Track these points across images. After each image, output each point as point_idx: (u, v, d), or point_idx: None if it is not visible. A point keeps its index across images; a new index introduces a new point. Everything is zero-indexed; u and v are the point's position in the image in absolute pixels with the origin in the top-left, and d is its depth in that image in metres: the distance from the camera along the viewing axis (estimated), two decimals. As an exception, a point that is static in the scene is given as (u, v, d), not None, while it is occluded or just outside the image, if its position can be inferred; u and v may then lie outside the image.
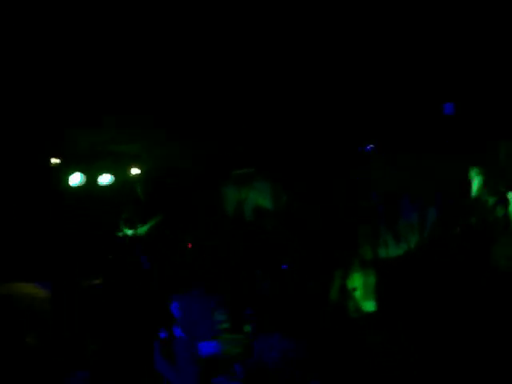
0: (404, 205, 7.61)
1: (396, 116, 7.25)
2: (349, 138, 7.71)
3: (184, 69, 7.04)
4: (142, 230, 8.27)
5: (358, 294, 7.32)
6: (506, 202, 6.65)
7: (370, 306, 7.23)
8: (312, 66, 6.95)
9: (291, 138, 7.91)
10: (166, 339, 6.21)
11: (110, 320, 7.19)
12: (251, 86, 7.25)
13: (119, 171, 8.63)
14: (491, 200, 6.61)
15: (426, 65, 6.58)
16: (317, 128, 7.68)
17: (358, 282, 7.40)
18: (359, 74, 6.97)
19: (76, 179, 8.44)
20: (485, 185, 6.68)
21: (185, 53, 6.81)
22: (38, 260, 7.53)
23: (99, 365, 6.64)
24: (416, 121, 7.18)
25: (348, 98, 7.17)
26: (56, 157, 8.41)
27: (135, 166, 8.69)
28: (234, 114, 7.62)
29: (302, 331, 7.03)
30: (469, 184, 6.79)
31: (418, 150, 7.45)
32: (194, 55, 6.79)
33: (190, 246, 8.35)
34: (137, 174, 8.72)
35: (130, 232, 8.34)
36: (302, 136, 7.84)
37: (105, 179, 8.60)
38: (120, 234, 8.37)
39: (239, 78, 7.15)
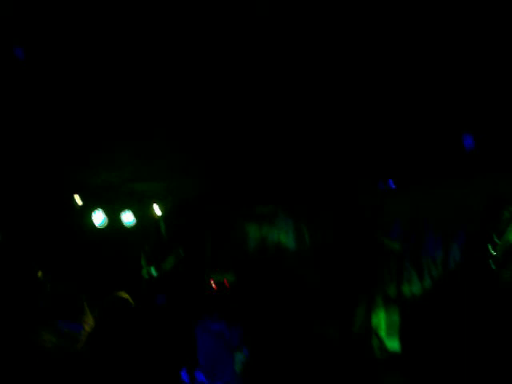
0: (428, 240, 7.51)
1: (418, 149, 7.18)
2: (369, 173, 7.64)
3: (202, 102, 7.06)
4: (165, 266, 8.23)
5: (381, 332, 7.25)
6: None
7: (394, 344, 7.16)
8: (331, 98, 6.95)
9: (313, 174, 7.86)
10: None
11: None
12: (271, 122, 7.25)
13: (141, 210, 8.64)
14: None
15: (444, 96, 6.52)
16: (336, 165, 7.62)
17: (381, 320, 7.32)
18: (379, 106, 6.94)
19: (99, 218, 8.47)
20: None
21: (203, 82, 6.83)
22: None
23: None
24: (438, 153, 7.10)
25: (369, 132, 7.12)
26: (78, 195, 8.45)
27: (157, 205, 8.69)
28: (253, 150, 7.60)
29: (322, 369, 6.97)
30: (494, 219, 6.68)
31: (440, 183, 7.36)
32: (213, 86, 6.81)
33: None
34: (159, 213, 8.72)
35: (152, 271, 8.32)
36: (323, 173, 7.79)
37: (128, 218, 8.60)
38: (144, 273, 8.34)
39: (259, 114, 7.15)
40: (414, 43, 6.00)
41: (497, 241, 6.47)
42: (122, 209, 8.59)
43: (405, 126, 7.06)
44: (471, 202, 7.05)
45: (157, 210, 8.64)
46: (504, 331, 6.52)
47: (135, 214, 8.63)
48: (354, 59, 6.14)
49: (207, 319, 6.90)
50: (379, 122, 7.06)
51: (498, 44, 5.88)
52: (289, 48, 5.97)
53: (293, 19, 5.65)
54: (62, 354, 6.82)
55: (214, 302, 7.78)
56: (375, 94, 6.66)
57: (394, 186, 7.57)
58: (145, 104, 6.99)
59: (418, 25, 5.66)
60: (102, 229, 8.51)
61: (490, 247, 6.49)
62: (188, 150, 7.71)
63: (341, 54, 6.05)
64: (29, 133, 7.18)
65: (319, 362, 7.03)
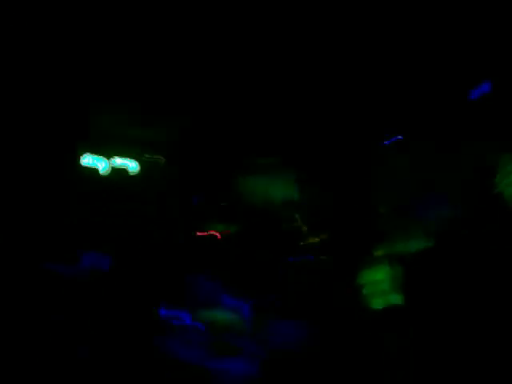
0: (431, 198, 7.52)
1: (416, 104, 7.16)
2: (370, 129, 7.62)
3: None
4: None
5: (383, 286, 7.29)
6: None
7: (396, 299, 7.20)
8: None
9: (313, 128, 7.82)
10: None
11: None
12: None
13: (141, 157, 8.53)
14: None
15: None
16: (337, 122, 7.60)
17: (384, 275, 7.36)
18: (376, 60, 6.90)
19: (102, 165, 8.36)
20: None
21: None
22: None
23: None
24: (437, 109, 7.08)
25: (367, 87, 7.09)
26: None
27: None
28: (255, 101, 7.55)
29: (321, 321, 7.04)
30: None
31: (442, 140, 7.35)
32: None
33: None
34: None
35: None
36: (324, 127, 7.75)
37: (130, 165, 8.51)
38: None
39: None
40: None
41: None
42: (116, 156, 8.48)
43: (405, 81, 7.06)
44: (474, 158, 7.09)
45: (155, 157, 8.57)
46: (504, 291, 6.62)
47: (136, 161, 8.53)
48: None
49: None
50: (377, 77, 7.05)
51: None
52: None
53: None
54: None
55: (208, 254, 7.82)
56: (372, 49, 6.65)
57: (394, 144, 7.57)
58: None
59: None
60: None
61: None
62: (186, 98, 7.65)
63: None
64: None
65: (321, 319, 7.12)
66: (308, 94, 7.57)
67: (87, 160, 8.29)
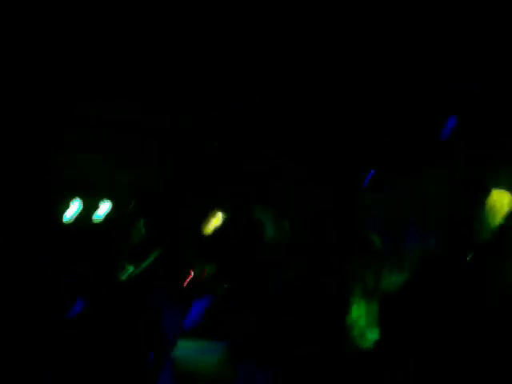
0: (408, 232, 7.50)
1: (395, 141, 7.20)
2: (347, 163, 7.63)
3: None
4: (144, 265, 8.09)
5: (361, 322, 7.21)
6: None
7: (373, 334, 7.12)
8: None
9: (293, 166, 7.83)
10: None
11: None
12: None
13: (118, 202, 8.50)
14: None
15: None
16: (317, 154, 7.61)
17: (361, 311, 7.29)
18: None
19: (72, 211, 8.31)
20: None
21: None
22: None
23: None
24: (414, 144, 7.12)
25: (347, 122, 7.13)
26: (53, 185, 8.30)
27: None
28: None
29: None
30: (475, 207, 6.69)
31: (418, 173, 7.37)
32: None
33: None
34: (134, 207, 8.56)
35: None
36: (301, 162, 7.76)
37: (101, 212, 8.47)
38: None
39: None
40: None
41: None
42: (95, 202, 8.46)
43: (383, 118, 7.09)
44: (450, 192, 7.07)
45: (132, 204, 8.52)
46: (484, 321, 6.52)
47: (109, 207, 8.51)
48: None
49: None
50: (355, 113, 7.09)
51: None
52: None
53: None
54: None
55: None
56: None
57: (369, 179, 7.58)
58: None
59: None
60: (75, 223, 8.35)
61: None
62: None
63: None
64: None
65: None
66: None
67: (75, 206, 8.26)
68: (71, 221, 8.36)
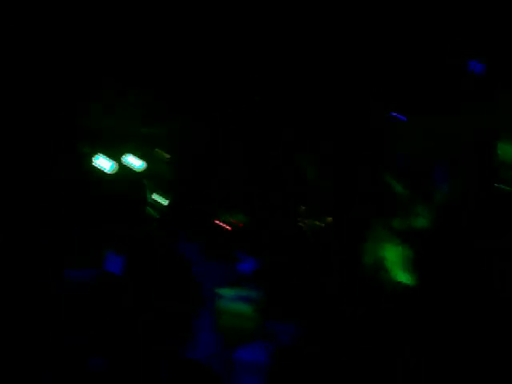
0: (436, 172, 7.39)
1: (424, 78, 7.03)
2: (374, 103, 7.49)
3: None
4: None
5: (390, 265, 7.21)
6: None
7: (402, 277, 7.11)
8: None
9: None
10: None
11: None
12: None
13: (147, 154, 8.53)
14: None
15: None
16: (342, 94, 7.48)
17: (393, 254, 7.27)
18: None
19: (106, 164, 8.37)
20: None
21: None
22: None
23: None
24: (444, 81, 6.95)
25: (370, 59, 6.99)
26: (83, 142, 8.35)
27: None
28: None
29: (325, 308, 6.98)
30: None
31: (446, 112, 7.20)
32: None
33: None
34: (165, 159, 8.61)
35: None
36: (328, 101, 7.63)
37: (136, 163, 8.51)
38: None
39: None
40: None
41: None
42: (128, 153, 8.48)
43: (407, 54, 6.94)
44: (478, 131, 6.95)
45: (161, 153, 8.56)
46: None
47: (142, 158, 8.54)
48: None
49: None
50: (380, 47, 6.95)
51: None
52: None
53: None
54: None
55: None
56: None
57: (402, 117, 7.45)
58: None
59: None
60: (110, 175, 8.41)
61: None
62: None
63: None
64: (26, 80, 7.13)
65: (327, 300, 7.05)
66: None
67: (100, 161, 8.30)
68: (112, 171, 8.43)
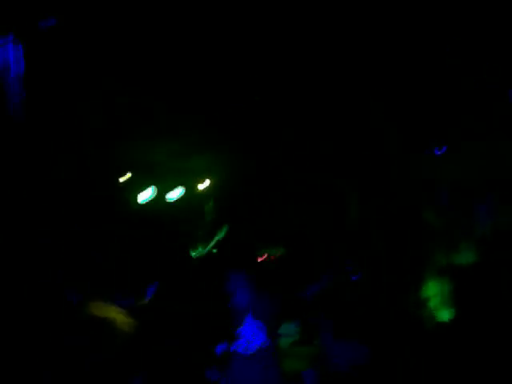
0: (477, 208, 7.23)
1: (460, 110, 6.93)
2: (414, 138, 7.39)
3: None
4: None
5: (433, 302, 7.05)
6: None
7: (446, 315, 6.96)
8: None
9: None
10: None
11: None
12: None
13: (188, 186, 8.52)
14: None
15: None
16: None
17: (433, 291, 7.13)
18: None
19: (146, 195, 8.37)
20: None
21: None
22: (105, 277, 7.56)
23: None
24: (480, 112, 6.83)
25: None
26: (126, 173, 8.36)
27: (204, 180, 8.57)
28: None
29: (375, 339, 6.82)
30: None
31: (487, 147, 7.07)
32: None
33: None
34: (206, 189, 8.59)
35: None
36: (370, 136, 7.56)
37: (174, 194, 8.50)
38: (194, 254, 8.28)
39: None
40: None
41: None
42: (169, 185, 8.49)
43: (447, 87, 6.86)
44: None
45: (204, 185, 8.56)
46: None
47: (182, 190, 8.54)
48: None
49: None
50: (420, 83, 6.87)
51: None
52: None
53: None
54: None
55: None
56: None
57: (438, 152, 7.32)
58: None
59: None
60: (148, 206, 8.40)
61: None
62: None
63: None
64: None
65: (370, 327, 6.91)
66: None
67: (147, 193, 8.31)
68: (146, 202, 8.43)
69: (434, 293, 7.08)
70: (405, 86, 6.77)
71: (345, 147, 7.47)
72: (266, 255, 8.28)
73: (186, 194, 8.50)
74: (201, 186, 8.59)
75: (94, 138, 7.41)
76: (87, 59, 6.34)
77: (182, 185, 8.47)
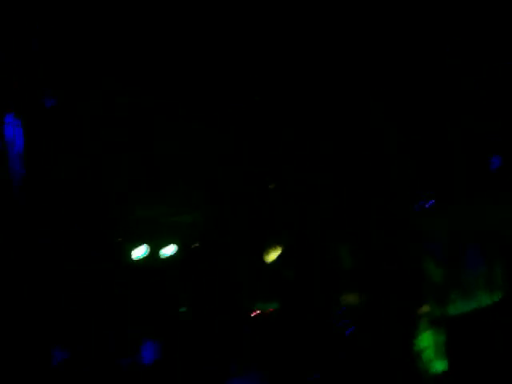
0: (470, 257, 7.32)
1: (452, 167, 7.07)
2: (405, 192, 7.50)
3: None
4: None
5: (428, 353, 7.08)
6: None
7: (440, 365, 6.99)
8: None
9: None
10: None
11: None
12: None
13: (180, 241, 8.57)
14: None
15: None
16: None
17: (427, 342, 7.16)
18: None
19: (140, 252, 8.41)
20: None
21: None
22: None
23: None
24: (473, 171, 6.99)
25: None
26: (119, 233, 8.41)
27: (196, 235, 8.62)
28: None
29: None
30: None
31: (474, 200, 7.21)
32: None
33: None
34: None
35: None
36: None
37: (168, 251, 8.54)
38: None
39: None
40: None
41: None
42: (161, 242, 8.54)
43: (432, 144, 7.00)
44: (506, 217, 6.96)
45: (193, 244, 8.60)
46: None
47: (174, 247, 8.58)
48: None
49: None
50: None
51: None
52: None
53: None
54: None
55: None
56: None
57: (428, 205, 7.45)
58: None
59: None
60: (141, 262, 8.44)
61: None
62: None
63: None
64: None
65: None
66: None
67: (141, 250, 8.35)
68: (139, 259, 8.46)
69: (428, 344, 7.12)
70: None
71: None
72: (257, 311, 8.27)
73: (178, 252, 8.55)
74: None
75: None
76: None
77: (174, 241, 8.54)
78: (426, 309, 7.32)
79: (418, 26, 6.22)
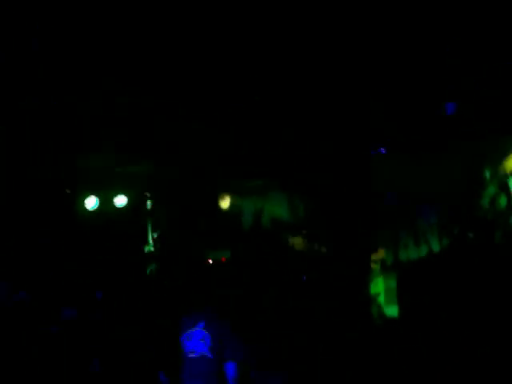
0: (421, 205, 7.46)
1: (406, 117, 7.14)
2: (360, 141, 7.56)
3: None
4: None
5: (380, 299, 7.22)
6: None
7: (392, 311, 7.14)
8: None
9: (302, 145, 7.74)
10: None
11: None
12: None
13: (133, 192, 8.52)
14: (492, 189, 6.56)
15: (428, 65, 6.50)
16: (328, 134, 7.53)
17: (380, 287, 7.30)
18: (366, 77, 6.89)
19: (92, 203, 8.36)
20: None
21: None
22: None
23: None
24: (423, 121, 7.07)
25: (354, 101, 7.07)
26: (70, 183, 8.33)
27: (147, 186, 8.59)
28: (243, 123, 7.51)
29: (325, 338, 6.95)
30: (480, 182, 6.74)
31: (428, 149, 7.31)
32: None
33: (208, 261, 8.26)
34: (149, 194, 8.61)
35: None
36: (313, 143, 7.68)
37: (120, 201, 8.50)
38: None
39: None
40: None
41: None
42: (114, 191, 8.48)
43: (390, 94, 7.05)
44: (459, 167, 7.08)
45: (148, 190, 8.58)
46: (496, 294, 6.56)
47: (127, 196, 8.53)
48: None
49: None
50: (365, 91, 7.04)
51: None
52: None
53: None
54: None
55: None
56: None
57: (384, 152, 7.54)
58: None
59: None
60: (95, 212, 8.39)
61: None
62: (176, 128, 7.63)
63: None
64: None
65: (320, 334, 7.03)
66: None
67: (91, 201, 8.29)
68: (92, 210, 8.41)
69: (381, 289, 7.27)
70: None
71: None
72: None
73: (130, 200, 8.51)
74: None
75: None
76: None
77: (126, 191, 8.50)
78: (378, 255, 7.46)
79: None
